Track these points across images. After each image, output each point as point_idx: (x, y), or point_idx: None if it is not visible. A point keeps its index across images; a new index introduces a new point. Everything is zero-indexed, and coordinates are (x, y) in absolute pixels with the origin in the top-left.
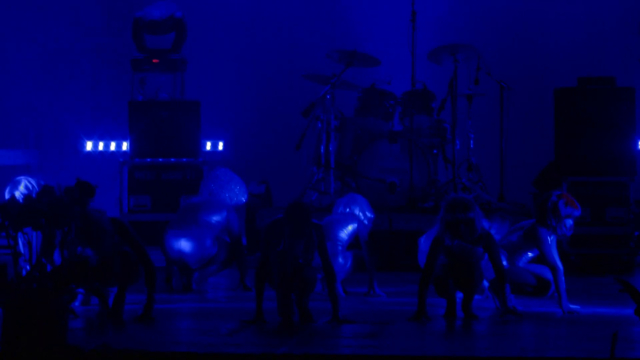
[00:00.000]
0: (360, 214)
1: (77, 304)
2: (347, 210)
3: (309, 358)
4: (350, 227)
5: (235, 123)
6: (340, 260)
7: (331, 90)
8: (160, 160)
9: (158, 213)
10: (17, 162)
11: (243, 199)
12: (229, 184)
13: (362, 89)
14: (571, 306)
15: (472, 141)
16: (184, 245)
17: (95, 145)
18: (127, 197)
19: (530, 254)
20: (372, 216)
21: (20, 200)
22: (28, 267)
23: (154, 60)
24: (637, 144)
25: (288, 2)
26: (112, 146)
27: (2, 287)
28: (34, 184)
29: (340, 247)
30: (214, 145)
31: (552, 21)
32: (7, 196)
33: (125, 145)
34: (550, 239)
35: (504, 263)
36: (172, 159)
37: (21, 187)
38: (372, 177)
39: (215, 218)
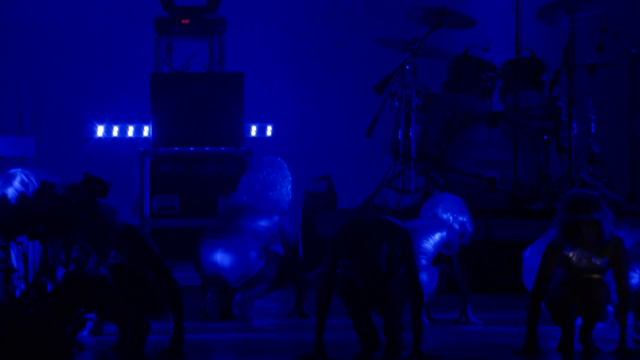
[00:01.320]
0: (451, 218)
1: (85, 333)
2: (434, 214)
3: None
4: (437, 236)
5: (288, 102)
6: (425, 277)
7: (412, 59)
8: (192, 149)
9: (189, 218)
10: (9, 152)
11: (288, 198)
12: (282, 180)
13: (453, 57)
14: None
15: (593, 124)
16: (222, 258)
17: (108, 131)
18: (149, 198)
19: None
20: (466, 221)
21: (13, 201)
22: (23, 287)
23: (184, 21)
24: None
25: None
26: (130, 131)
27: None
28: (32, 180)
29: (424, 262)
30: (261, 130)
31: None
32: None
33: (146, 131)
34: None
35: (634, 281)
36: (207, 148)
37: (15, 183)
38: (466, 172)
39: (263, 224)
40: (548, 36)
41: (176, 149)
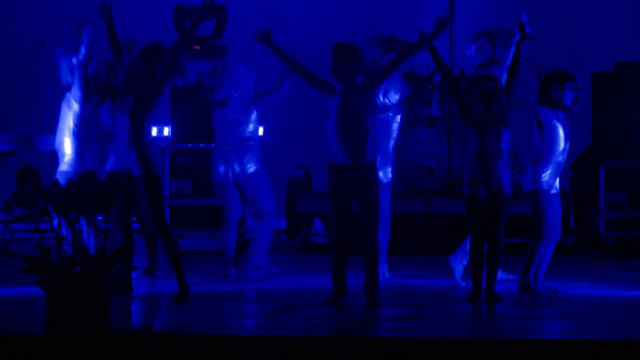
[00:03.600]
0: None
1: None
2: None
3: (347, 340)
4: None
5: (275, 109)
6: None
7: None
8: (201, 145)
9: (199, 198)
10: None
11: None
12: None
13: (401, 74)
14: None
15: None
16: None
17: None
18: (169, 182)
19: None
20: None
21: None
22: (70, 251)
23: (195, 47)
24: None
25: None
26: (154, 131)
27: (45, 270)
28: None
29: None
30: None
31: (588, 6)
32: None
33: (166, 131)
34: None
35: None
36: (213, 144)
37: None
38: (411, 162)
39: None
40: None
41: (189, 145)
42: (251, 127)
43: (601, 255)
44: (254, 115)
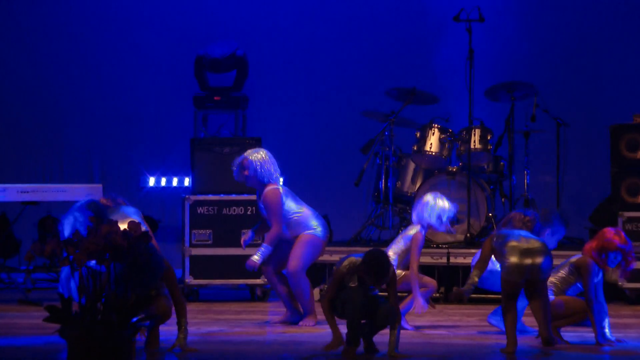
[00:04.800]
0: None
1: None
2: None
3: None
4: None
5: (296, 159)
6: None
7: (390, 127)
8: (222, 195)
9: (219, 247)
10: (82, 197)
11: None
12: None
13: (421, 125)
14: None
15: (528, 177)
16: None
17: (158, 181)
18: (189, 232)
19: (579, 285)
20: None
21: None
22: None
23: (216, 98)
24: None
25: (347, 40)
26: (175, 182)
27: (66, 319)
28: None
29: None
30: None
31: (607, 59)
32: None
33: (187, 181)
34: (598, 274)
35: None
36: (233, 195)
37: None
38: None
39: None
40: (494, 109)
41: (210, 195)
42: None
43: (618, 305)
44: None
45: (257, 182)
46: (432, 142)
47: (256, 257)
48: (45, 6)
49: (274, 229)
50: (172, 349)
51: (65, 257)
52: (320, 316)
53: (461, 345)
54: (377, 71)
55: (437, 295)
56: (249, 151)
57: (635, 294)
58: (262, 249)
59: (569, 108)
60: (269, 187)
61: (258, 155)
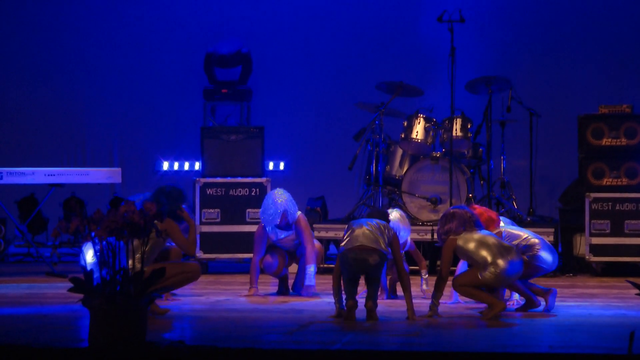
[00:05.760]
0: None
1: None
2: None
3: (359, 354)
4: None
5: (295, 146)
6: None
7: (380, 117)
8: (229, 178)
9: (227, 225)
10: (103, 180)
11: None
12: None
13: (407, 115)
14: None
15: (504, 162)
16: None
17: (171, 165)
18: (200, 211)
19: None
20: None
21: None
22: (112, 273)
23: (223, 91)
24: None
25: (341, 39)
26: (186, 166)
27: (89, 290)
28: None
29: None
30: (276, 166)
31: (574, 56)
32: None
33: (197, 165)
34: None
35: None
36: (239, 178)
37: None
38: (416, 194)
39: None
40: (473, 101)
41: (218, 178)
42: None
43: (587, 276)
44: None
45: (290, 216)
46: (418, 131)
47: (312, 282)
48: (69, 9)
49: (311, 248)
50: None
51: (87, 233)
52: (320, 287)
53: (459, 312)
54: (368, 67)
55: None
56: (281, 201)
57: (600, 267)
58: (312, 269)
59: (540, 100)
60: (299, 215)
61: (285, 196)
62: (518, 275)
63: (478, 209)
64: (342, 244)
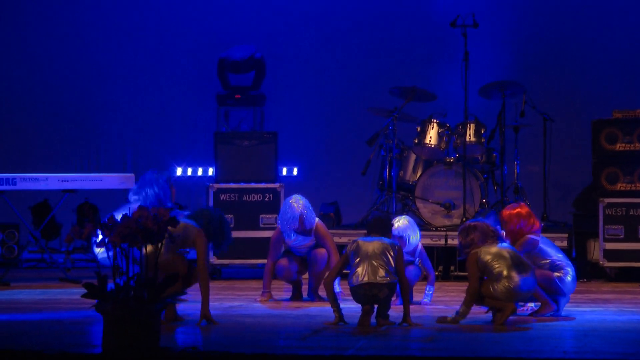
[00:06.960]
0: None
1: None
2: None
3: (372, 359)
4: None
5: (308, 151)
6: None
7: (393, 122)
8: (242, 184)
9: (240, 230)
10: (116, 186)
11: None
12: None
13: (421, 120)
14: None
15: (518, 167)
16: None
17: (185, 171)
18: None
19: None
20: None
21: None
22: (125, 278)
23: (237, 96)
24: None
25: (354, 44)
26: (200, 172)
27: (102, 296)
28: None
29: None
30: (289, 171)
31: (588, 60)
32: None
33: (211, 171)
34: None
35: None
36: (253, 183)
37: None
38: (430, 200)
39: None
40: (486, 106)
41: (231, 183)
42: None
43: (601, 281)
44: None
45: (307, 221)
46: (432, 136)
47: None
48: (82, 17)
49: (336, 258)
50: (199, 323)
51: (101, 239)
52: (323, 292)
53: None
54: (381, 72)
55: (437, 273)
56: (297, 205)
57: (614, 272)
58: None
59: (554, 104)
60: (317, 222)
61: (302, 201)
62: (529, 294)
63: (525, 209)
64: (349, 278)
